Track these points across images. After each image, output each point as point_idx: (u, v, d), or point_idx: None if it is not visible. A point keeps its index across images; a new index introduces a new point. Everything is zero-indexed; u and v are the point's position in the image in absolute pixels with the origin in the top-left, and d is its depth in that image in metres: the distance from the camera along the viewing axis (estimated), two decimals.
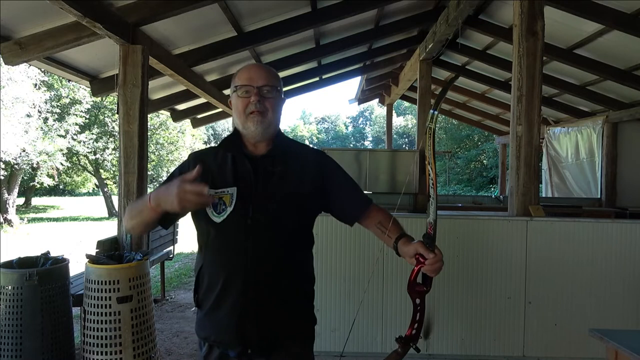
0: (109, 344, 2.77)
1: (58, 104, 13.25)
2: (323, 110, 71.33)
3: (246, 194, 1.35)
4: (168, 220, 1.41)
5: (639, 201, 6.85)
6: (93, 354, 2.78)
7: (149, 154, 10.72)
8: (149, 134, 8.51)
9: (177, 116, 8.24)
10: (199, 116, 8.73)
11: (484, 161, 23.42)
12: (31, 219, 14.18)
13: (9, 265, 2.95)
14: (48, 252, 3.18)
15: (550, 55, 5.63)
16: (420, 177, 6.81)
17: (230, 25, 4.61)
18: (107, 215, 15.05)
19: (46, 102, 12.54)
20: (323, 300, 3.31)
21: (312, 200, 1.44)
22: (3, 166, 11.69)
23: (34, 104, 11.76)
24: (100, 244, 3.53)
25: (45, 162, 12.31)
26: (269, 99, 1.38)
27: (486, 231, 3.36)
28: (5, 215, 12.58)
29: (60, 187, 20.67)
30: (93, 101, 14.17)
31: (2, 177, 12.02)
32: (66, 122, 13.14)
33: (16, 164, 11.97)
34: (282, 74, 7.12)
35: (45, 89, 12.67)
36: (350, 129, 47.42)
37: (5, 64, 3.67)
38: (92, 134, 13.94)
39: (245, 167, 1.39)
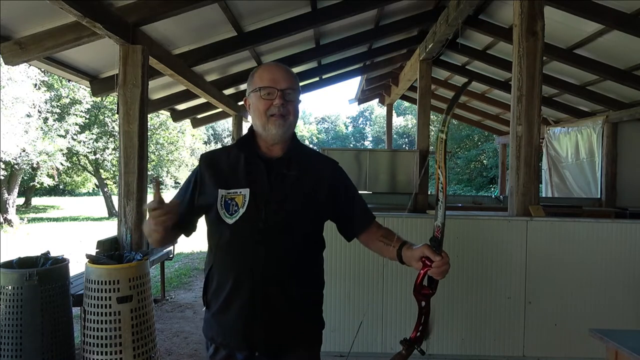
0: (109, 344, 2.77)
1: (58, 104, 13.25)
2: (323, 110, 71.45)
3: (259, 195, 1.34)
4: (186, 229, 1.45)
5: (639, 201, 6.85)
6: (93, 354, 2.78)
7: (149, 154, 10.73)
8: (149, 134, 8.51)
9: (177, 116, 8.24)
10: (199, 116, 8.73)
11: (484, 161, 23.42)
12: (31, 219, 14.18)
13: (9, 265, 2.94)
14: (48, 252, 3.18)
15: (550, 55, 5.63)
16: (420, 177, 6.81)
17: (230, 25, 4.61)
18: (107, 215, 15.05)
19: (46, 102, 12.54)
20: (324, 301, 3.30)
21: (325, 206, 1.44)
22: (3, 166, 11.69)
23: (34, 104, 11.76)
24: (100, 244, 3.53)
25: (45, 162, 12.31)
26: (291, 102, 1.38)
27: (486, 231, 3.36)
28: (5, 215, 12.57)
29: (60, 187, 20.66)
30: (93, 101, 14.17)
31: (2, 177, 12.01)
32: (66, 122, 13.14)
33: (16, 164, 11.97)
34: None
35: (45, 89, 12.67)
36: (350, 129, 47.41)
37: (5, 64, 3.67)
38: (92, 134, 13.94)
39: (259, 169, 1.38)
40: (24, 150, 11.25)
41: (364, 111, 45.82)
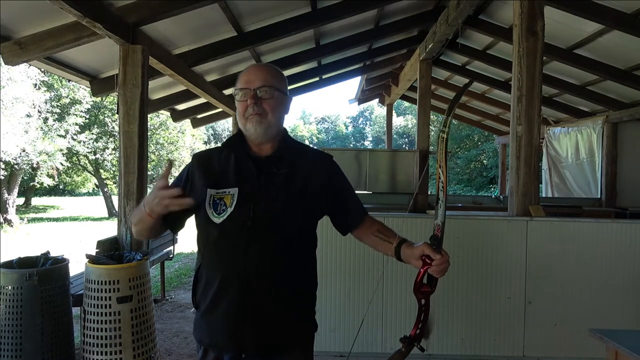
0: (109, 344, 2.77)
1: (58, 104, 13.25)
2: (323, 110, 71.39)
3: (248, 194, 1.34)
4: (173, 225, 1.42)
5: (639, 201, 6.85)
6: (93, 354, 2.78)
7: (149, 154, 10.73)
8: (149, 134, 8.52)
9: (177, 116, 8.24)
10: (199, 116, 8.73)
11: (484, 161, 23.42)
12: (31, 219, 14.18)
13: (9, 265, 2.94)
14: (48, 252, 3.18)
15: (550, 55, 5.63)
16: (420, 177, 6.81)
17: (230, 25, 4.61)
18: (107, 215, 15.05)
19: (46, 102, 12.54)
20: (323, 300, 3.31)
21: (318, 202, 1.42)
22: (3, 166, 11.69)
23: (34, 104, 11.76)
24: (100, 244, 3.53)
25: (45, 162, 12.31)
26: (266, 100, 1.35)
27: (486, 231, 3.36)
28: (5, 215, 12.58)
29: (60, 187, 20.67)
30: (93, 101, 14.17)
31: (2, 177, 12.01)
32: (66, 122, 13.14)
33: (16, 164, 11.97)
34: None
35: (45, 89, 12.67)
36: (350, 129, 47.40)
37: (5, 64, 3.67)
38: (92, 134, 13.94)
39: (248, 168, 1.37)
40: (24, 150, 11.25)
41: (364, 111, 45.81)
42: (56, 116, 13.17)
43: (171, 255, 5.06)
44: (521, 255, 3.31)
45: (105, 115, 14.74)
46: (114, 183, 15.55)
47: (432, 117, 7.66)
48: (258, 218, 1.32)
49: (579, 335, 3.20)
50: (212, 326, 1.35)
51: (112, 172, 15.00)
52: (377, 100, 13.02)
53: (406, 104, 26.60)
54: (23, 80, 11.21)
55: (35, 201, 20.24)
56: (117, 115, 5.07)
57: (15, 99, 10.95)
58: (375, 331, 3.33)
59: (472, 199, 8.07)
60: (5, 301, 2.80)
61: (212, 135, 33.14)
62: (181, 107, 7.86)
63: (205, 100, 7.00)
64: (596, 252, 3.29)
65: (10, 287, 2.80)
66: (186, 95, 6.68)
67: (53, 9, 3.08)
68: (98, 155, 14.35)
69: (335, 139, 44.81)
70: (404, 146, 34.06)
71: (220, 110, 8.15)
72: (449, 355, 3.31)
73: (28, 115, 11.54)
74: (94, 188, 20.82)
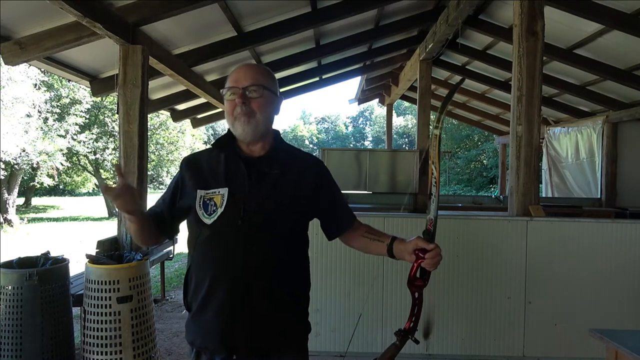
0: (109, 344, 2.77)
1: (58, 104, 13.25)
2: (323, 110, 71.36)
3: (238, 194, 1.33)
4: (165, 229, 1.44)
5: (639, 201, 6.85)
6: (93, 354, 2.78)
7: (149, 154, 10.72)
8: (149, 134, 8.51)
9: (177, 116, 8.24)
10: (199, 116, 8.73)
11: (484, 161, 23.42)
12: (31, 219, 14.18)
13: (9, 265, 2.94)
14: (48, 252, 3.18)
15: (550, 55, 5.63)
16: (420, 177, 6.82)
17: (230, 25, 4.62)
18: (107, 215, 15.05)
19: (46, 102, 12.53)
20: (323, 300, 3.31)
21: (308, 203, 1.42)
22: (3, 166, 11.69)
23: (34, 104, 11.76)
24: (100, 244, 3.53)
25: (45, 162, 12.31)
26: (255, 99, 1.34)
27: (486, 231, 3.36)
28: (5, 215, 12.58)
29: (60, 187, 20.65)
30: (93, 101, 14.17)
31: (2, 177, 12.01)
32: (66, 122, 13.14)
33: (16, 164, 11.97)
34: (282, 74, 7.17)
35: (45, 89, 12.67)
36: (350, 129, 47.41)
37: (5, 64, 3.67)
38: (92, 134, 13.94)
39: (238, 168, 1.37)
40: (24, 150, 11.25)
41: (364, 111, 45.82)
42: (56, 116, 13.17)
43: (171, 255, 5.06)
44: (521, 255, 3.31)
45: (105, 115, 14.74)
46: (114, 183, 15.50)
47: (432, 117, 7.65)
48: (249, 218, 1.31)
49: (579, 335, 3.20)
50: (202, 327, 1.34)
51: (112, 172, 15.00)
52: (377, 100, 13.02)
53: (406, 104, 26.60)
54: (23, 80, 11.21)
55: (35, 201, 20.24)
56: (117, 115, 5.07)
57: (15, 99, 10.95)
58: (375, 331, 3.33)
59: (472, 199, 8.08)
60: (5, 301, 2.80)
61: (212, 135, 33.13)
62: (181, 107, 7.86)
63: (205, 100, 7.00)
64: (596, 252, 3.29)
65: (10, 287, 2.80)
66: (186, 95, 6.69)
67: (53, 9, 3.08)
68: (98, 155, 14.35)
69: (335, 139, 44.81)
70: (404, 146, 34.07)
71: (220, 110, 8.14)
72: (449, 355, 3.31)
73: (28, 115, 11.53)
74: (94, 188, 20.81)
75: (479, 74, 7.90)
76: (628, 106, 6.73)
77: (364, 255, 3.32)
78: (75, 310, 3.13)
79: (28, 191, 17.86)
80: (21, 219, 13.26)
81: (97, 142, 14.07)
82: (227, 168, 1.38)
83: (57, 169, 13.61)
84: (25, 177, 14.86)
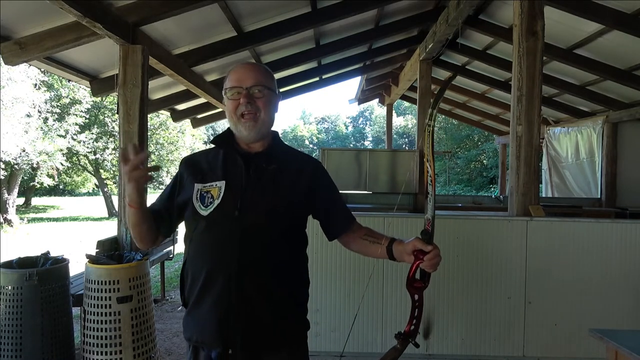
0: (109, 344, 2.77)
1: (58, 104, 13.25)
2: (323, 110, 71.36)
3: (235, 187, 1.34)
4: (163, 227, 1.43)
5: (639, 201, 6.85)
6: (93, 354, 2.78)
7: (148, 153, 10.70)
8: (149, 134, 8.50)
9: (177, 116, 8.24)
10: (199, 116, 8.72)
11: (484, 161, 23.42)
12: (31, 219, 14.18)
13: (9, 265, 2.94)
14: (48, 252, 3.18)
15: (550, 55, 5.63)
16: (420, 177, 6.81)
17: (230, 25, 4.61)
18: (107, 215, 15.05)
19: (46, 102, 12.53)
20: (323, 300, 3.31)
21: (304, 202, 1.42)
22: (3, 166, 11.69)
23: (34, 104, 11.76)
24: (100, 244, 3.53)
25: (45, 162, 12.31)
26: (259, 99, 1.36)
27: (486, 231, 3.36)
28: (5, 215, 12.57)
29: (60, 187, 20.67)
30: (93, 101, 14.18)
31: (2, 177, 12.01)
32: (66, 122, 13.14)
33: (16, 164, 11.97)
34: (282, 74, 7.17)
35: (45, 89, 12.67)
36: (350, 129, 47.40)
37: (5, 64, 3.66)
38: (92, 134, 13.94)
39: (236, 162, 1.38)
40: (24, 150, 11.25)
41: (364, 111, 45.82)
42: (56, 116, 13.17)
43: (171, 255, 5.06)
44: (521, 255, 3.31)
45: (105, 115, 14.74)
46: (114, 183, 15.55)
47: None
48: (245, 209, 1.31)
49: (579, 335, 3.20)
50: (199, 321, 1.33)
51: (112, 172, 15.00)
52: (377, 100, 13.01)
53: (406, 104, 26.60)
54: (23, 80, 11.21)
55: (35, 201, 20.25)
56: (117, 115, 5.07)
57: (15, 99, 10.95)
58: (375, 331, 3.33)
59: (472, 199, 8.07)
60: (5, 301, 2.80)
61: (212, 135, 33.12)
62: (181, 107, 7.85)
63: (205, 100, 7.00)
64: (596, 252, 3.29)
65: (10, 287, 2.80)
66: (186, 95, 6.68)
67: (53, 9, 3.08)
68: (98, 155, 14.35)
69: (335, 139, 44.80)
70: (404, 146, 34.07)
71: (220, 110, 8.14)
72: (449, 355, 3.31)
73: (28, 115, 11.54)
74: (94, 188, 20.81)
75: (479, 74, 7.90)
76: (628, 106, 6.73)
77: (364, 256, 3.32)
78: (75, 310, 3.13)
79: (28, 191, 17.86)
80: (21, 219, 13.27)
81: (97, 142, 14.08)
82: (225, 163, 1.39)
83: (57, 169, 13.62)
84: (25, 177, 14.87)
